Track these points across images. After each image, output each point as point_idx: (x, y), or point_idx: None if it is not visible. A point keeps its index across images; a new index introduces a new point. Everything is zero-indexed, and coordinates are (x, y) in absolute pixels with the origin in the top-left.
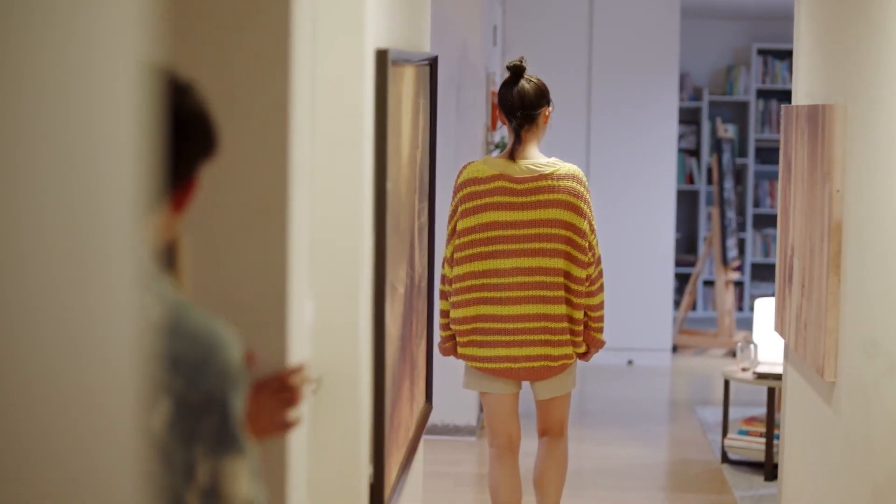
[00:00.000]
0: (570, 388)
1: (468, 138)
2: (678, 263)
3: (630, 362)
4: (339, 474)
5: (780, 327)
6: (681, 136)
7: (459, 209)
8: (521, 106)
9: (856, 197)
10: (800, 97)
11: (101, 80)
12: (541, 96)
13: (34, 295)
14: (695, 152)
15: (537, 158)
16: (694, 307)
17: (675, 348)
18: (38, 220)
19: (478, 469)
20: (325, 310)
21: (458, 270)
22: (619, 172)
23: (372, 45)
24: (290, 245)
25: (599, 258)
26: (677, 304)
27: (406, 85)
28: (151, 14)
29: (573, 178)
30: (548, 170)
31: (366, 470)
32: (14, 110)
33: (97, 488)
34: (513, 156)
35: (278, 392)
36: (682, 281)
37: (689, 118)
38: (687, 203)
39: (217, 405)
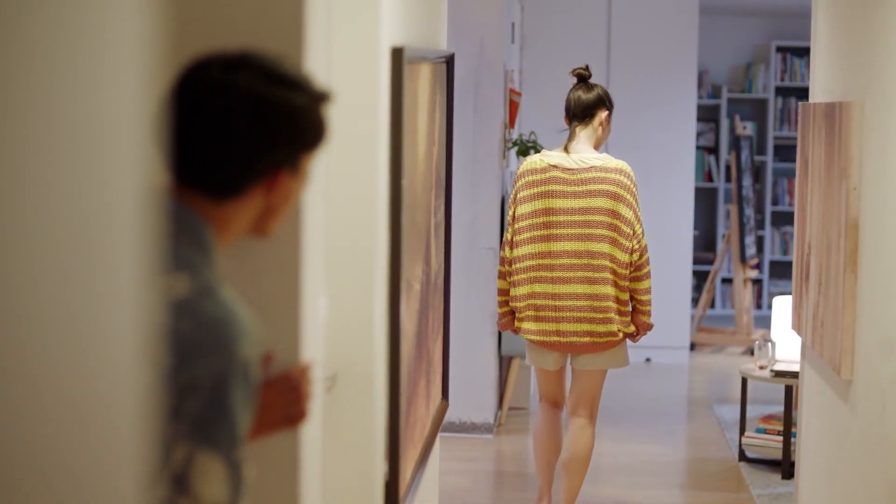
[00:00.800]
0: (610, 367)
1: (486, 136)
2: (696, 261)
3: (648, 360)
4: (355, 471)
5: (798, 325)
6: (699, 134)
7: (518, 196)
8: (577, 107)
9: (873, 194)
10: (817, 94)
11: (112, 72)
12: (598, 101)
13: (43, 280)
14: (713, 150)
15: (589, 153)
16: (712, 305)
17: (693, 346)
18: (49, 207)
19: (495, 467)
20: (341, 307)
21: (517, 252)
22: (637, 169)
23: (388, 42)
24: (304, 242)
25: (645, 247)
26: (695, 301)
27: (422, 82)
28: (164, 11)
29: (620, 171)
30: (598, 163)
31: (381, 467)
32: (31, 105)
33: (102, 461)
34: (567, 150)
35: (285, 392)
36: (700, 279)
37: (707, 116)
38: (705, 201)
39: (207, 390)
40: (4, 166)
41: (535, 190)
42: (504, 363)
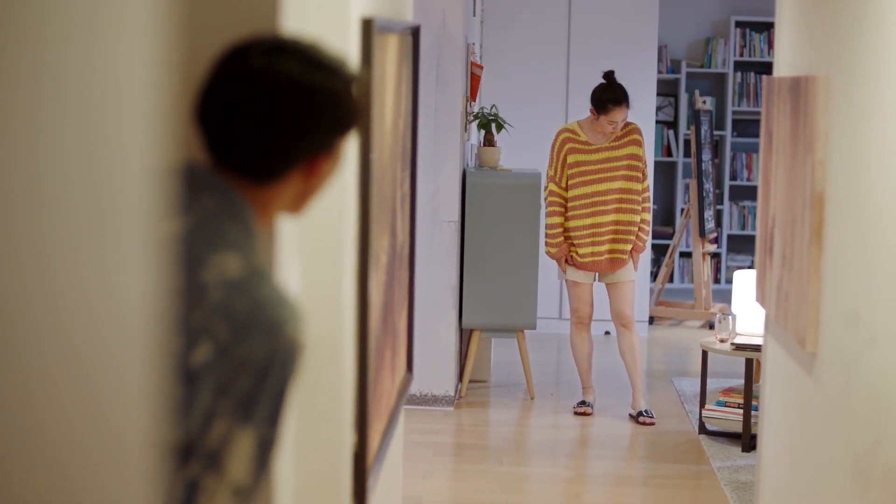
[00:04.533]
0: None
1: (448, 109)
2: (655, 235)
3: (607, 333)
4: (323, 442)
5: (761, 298)
6: (658, 109)
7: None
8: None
9: (838, 168)
10: (781, 68)
11: (118, 60)
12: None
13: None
14: (672, 124)
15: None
16: (671, 279)
17: (651, 320)
18: (62, 195)
19: (455, 439)
20: (310, 280)
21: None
22: None
23: (357, 13)
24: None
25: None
26: (654, 275)
27: (390, 54)
28: None
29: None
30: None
31: (349, 438)
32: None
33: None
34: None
35: None
36: (659, 253)
37: (666, 90)
38: (664, 175)
39: (255, 370)
40: (21, 153)
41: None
42: (465, 336)
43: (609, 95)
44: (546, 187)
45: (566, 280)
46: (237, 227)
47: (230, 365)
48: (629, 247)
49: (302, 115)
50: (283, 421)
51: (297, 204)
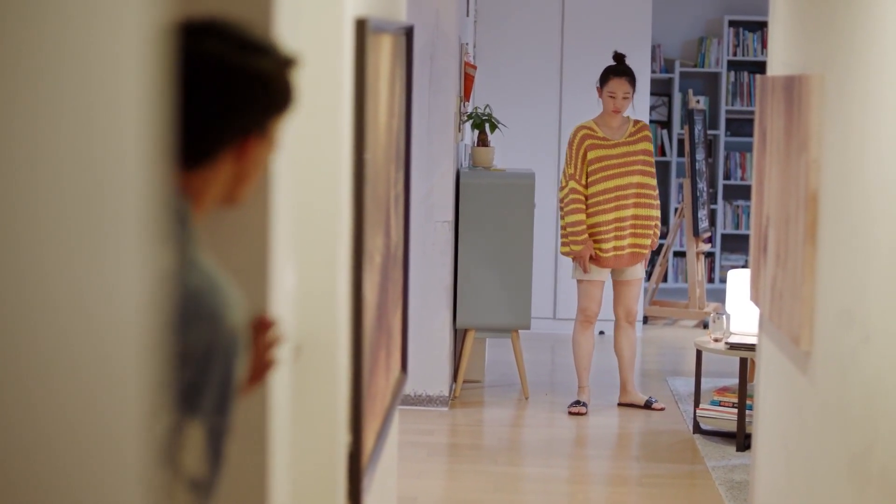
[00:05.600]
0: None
1: (441, 109)
2: None
3: (602, 333)
4: (319, 442)
5: (756, 297)
6: (652, 108)
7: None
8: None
9: (832, 167)
10: (775, 67)
11: (113, 42)
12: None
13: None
14: (666, 124)
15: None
16: (665, 278)
17: (645, 319)
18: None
19: (450, 439)
20: (305, 279)
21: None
22: None
23: (351, 13)
24: (272, 213)
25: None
26: (649, 275)
27: (383, 54)
28: None
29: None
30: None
31: (344, 438)
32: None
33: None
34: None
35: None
36: (653, 252)
37: (660, 90)
38: (658, 174)
39: (195, 361)
40: None
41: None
42: (459, 336)
43: (611, 67)
44: (564, 186)
45: (580, 280)
46: (169, 216)
47: (171, 357)
48: (649, 241)
49: (229, 96)
50: (232, 409)
51: (233, 191)
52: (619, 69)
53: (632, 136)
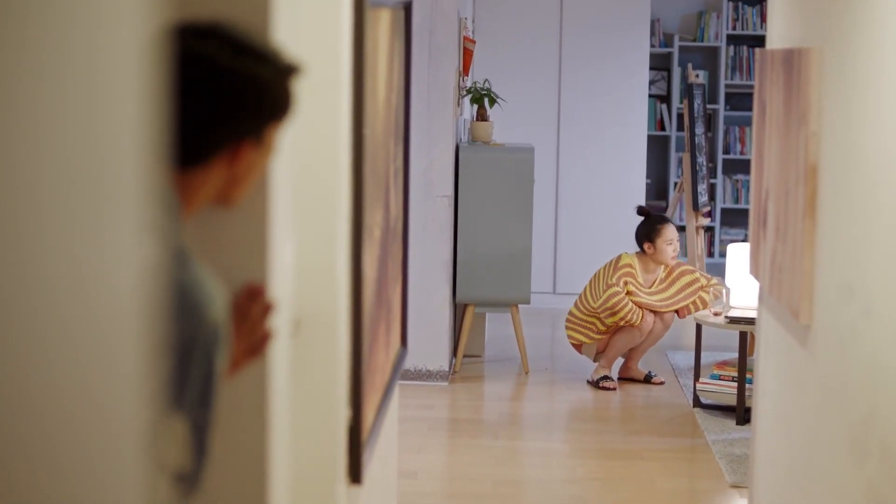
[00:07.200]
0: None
1: (440, 84)
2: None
3: None
4: (319, 417)
5: (755, 271)
6: (651, 82)
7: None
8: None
9: (831, 140)
10: (775, 41)
11: (111, 44)
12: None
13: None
14: (665, 98)
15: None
16: None
17: None
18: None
19: (450, 414)
20: (304, 254)
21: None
22: (590, 118)
23: None
24: (271, 188)
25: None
26: None
27: (382, 28)
28: None
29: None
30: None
31: (344, 413)
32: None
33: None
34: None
35: (239, 324)
36: None
37: (659, 64)
38: (658, 149)
39: (177, 354)
40: None
41: None
42: (459, 311)
43: (657, 217)
44: (612, 296)
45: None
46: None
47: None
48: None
49: (225, 101)
50: (215, 403)
51: (227, 194)
52: (662, 217)
53: (663, 281)
